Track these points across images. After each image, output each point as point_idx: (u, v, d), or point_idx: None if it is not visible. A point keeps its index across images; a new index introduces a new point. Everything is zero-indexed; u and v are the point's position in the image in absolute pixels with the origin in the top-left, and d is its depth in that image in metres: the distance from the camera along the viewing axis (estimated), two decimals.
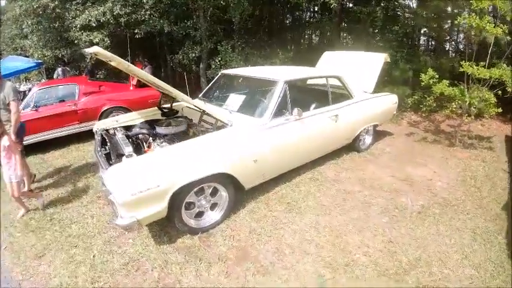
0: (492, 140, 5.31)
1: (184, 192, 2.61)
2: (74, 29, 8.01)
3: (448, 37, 9.41)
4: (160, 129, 3.28)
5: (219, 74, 4.41)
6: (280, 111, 3.26)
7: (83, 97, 5.73)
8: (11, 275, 2.58)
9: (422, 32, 9.65)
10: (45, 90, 5.61)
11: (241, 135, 2.96)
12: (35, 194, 3.58)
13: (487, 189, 3.69)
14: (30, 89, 6.56)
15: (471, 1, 4.54)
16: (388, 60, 4.87)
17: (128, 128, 3.59)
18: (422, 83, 5.04)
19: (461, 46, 9.44)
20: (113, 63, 2.54)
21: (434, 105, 5.59)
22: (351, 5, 9.98)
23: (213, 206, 2.99)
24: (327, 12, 10.14)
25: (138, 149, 3.16)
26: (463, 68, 4.62)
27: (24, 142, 5.08)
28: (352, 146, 4.52)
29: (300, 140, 3.44)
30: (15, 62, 7.37)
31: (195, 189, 2.72)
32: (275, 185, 3.64)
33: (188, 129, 3.39)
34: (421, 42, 10.63)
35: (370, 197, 3.49)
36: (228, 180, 2.91)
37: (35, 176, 4.23)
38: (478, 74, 4.48)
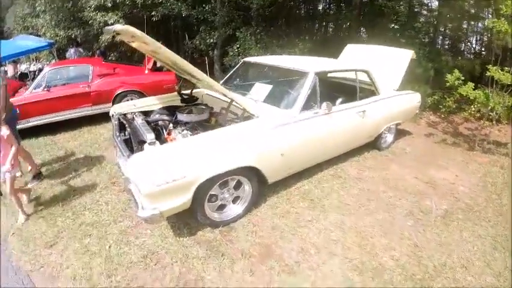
0: (508, 146, 5.16)
1: (208, 185, 2.49)
2: (88, 9, 7.80)
3: (465, 38, 9.27)
4: (181, 117, 3.14)
5: (241, 61, 4.24)
6: (308, 104, 3.11)
7: (97, 79, 5.56)
8: (19, 264, 2.41)
9: (441, 31, 9.45)
10: (57, 70, 5.45)
11: (269, 128, 2.81)
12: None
13: (506, 196, 3.58)
14: (40, 69, 6.42)
15: (501, 5, 4.38)
16: (415, 57, 4.69)
17: (145, 114, 3.44)
18: (448, 84, 4.88)
19: (477, 48, 9.33)
20: (134, 45, 2.26)
21: (454, 106, 5.44)
22: None
23: (235, 199, 2.87)
24: (344, 3, 9.84)
25: (158, 136, 2.99)
26: (489, 72, 4.47)
27: (34, 123, 5.01)
28: (373, 144, 4.37)
29: (327, 135, 3.30)
30: (26, 41, 7.13)
31: (220, 182, 2.59)
32: (297, 180, 3.51)
33: (210, 117, 3.26)
34: (438, 41, 10.41)
35: (394, 199, 3.37)
36: (252, 173, 2.77)
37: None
38: (505, 80, 4.32)
